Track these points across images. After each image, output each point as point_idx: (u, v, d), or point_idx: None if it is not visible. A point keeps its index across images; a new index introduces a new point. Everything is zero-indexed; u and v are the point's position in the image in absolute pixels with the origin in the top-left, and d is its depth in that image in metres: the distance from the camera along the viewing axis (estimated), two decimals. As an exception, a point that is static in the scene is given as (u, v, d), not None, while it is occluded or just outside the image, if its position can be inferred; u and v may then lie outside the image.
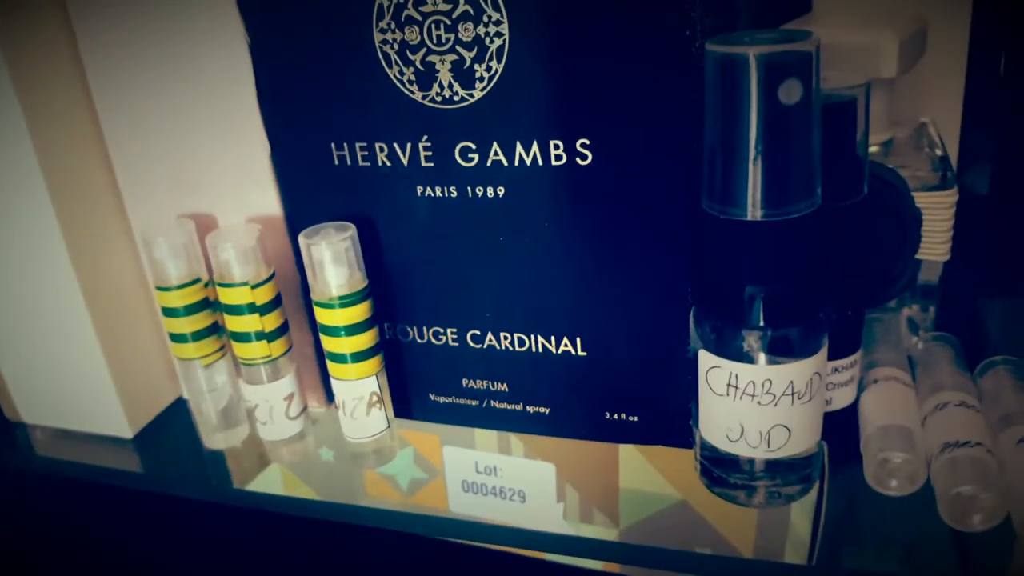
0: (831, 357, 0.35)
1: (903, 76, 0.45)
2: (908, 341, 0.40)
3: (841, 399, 0.36)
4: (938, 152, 0.40)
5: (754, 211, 0.29)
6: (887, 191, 0.37)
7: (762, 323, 0.30)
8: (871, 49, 0.37)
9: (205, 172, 0.39)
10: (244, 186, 0.39)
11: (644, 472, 0.43)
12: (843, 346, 0.35)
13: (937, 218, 0.38)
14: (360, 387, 0.37)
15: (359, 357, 0.36)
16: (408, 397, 0.41)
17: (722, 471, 0.34)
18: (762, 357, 0.31)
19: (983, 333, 0.45)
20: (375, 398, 0.37)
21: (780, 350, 0.31)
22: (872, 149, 0.40)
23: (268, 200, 0.39)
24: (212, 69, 0.37)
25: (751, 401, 0.31)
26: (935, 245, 0.38)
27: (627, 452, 0.43)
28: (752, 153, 0.28)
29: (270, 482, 0.45)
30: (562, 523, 0.43)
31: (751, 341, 0.31)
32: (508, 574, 0.51)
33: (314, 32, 0.34)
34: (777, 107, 0.28)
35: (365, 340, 0.36)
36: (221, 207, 0.40)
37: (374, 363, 0.37)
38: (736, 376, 0.31)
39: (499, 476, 0.46)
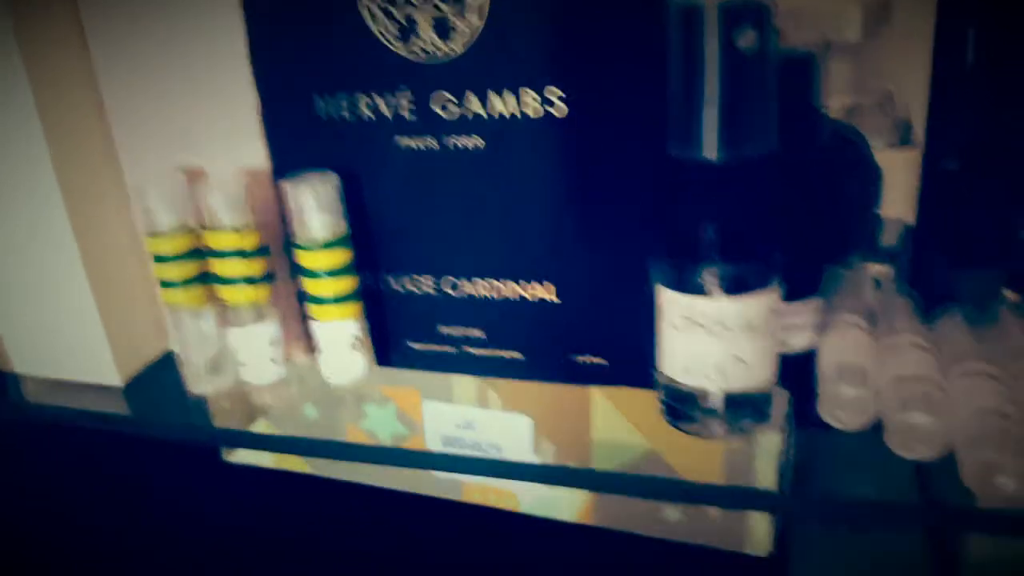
0: (790, 299, 0.37)
1: (870, 43, 0.46)
2: (871, 295, 0.41)
3: (800, 341, 0.38)
4: (901, 115, 0.42)
5: (711, 152, 0.31)
6: (846, 147, 0.39)
7: (717, 258, 0.32)
8: (835, 12, 0.39)
9: (197, 127, 0.41)
10: (235, 140, 0.40)
11: (616, 422, 0.45)
12: (802, 289, 0.37)
13: (897, 175, 0.40)
14: (341, 329, 0.38)
15: (340, 300, 0.38)
16: (386, 344, 0.42)
17: (683, 407, 0.35)
18: (718, 291, 0.32)
19: (947, 295, 0.46)
20: (356, 341, 0.39)
21: (735, 284, 0.32)
22: (836, 111, 0.42)
23: (257, 153, 0.40)
24: (205, 27, 0.39)
25: (707, 334, 0.33)
26: (896, 202, 0.40)
27: (599, 402, 0.44)
28: (710, 97, 0.30)
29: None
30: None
31: (707, 276, 0.32)
32: (486, 528, 0.52)
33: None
34: (734, 53, 0.29)
35: (346, 284, 0.38)
36: (212, 160, 0.41)
37: (354, 307, 0.38)
38: (693, 309, 0.33)
39: (477, 430, 0.48)
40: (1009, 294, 0.43)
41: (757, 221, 0.32)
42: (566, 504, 0.51)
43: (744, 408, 0.35)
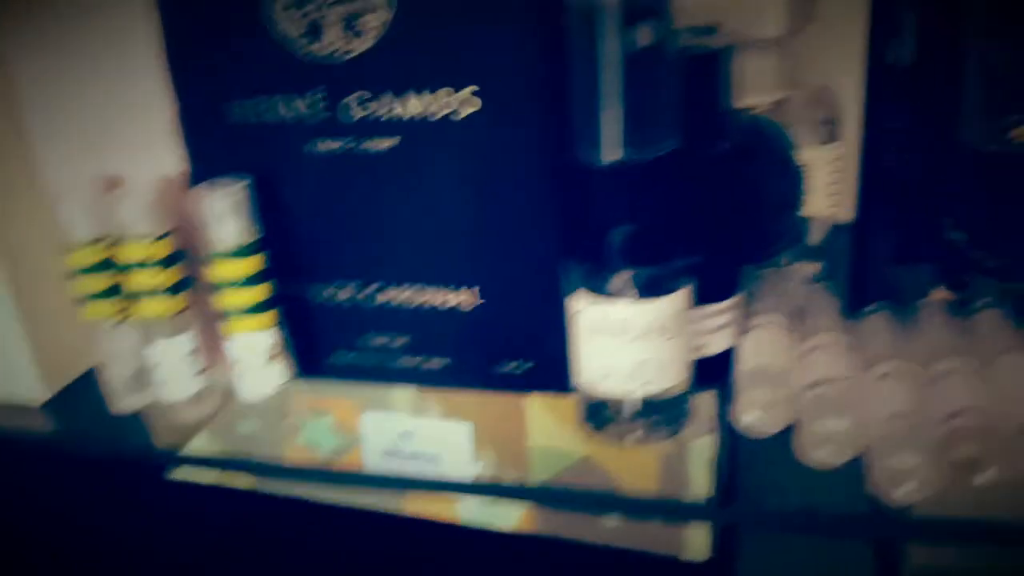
0: (707, 300, 0.36)
1: (799, 38, 0.46)
2: (796, 294, 0.41)
3: (719, 343, 0.37)
4: (829, 113, 0.41)
5: (613, 153, 0.30)
6: (763, 145, 0.39)
7: (626, 262, 0.31)
8: (757, 7, 0.38)
9: (116, 135, 0.40)
10: (153, 148, 0.40)
11: (552, 428, 0.44)
12: (720, 290, 0.36)
13: (822, 173, 0.39)
14: (257, 340, 0.38)
15: (253, 310, 0.37)
16: (313, 356, 0.41)
17: (602, 413, 0.35)
18: (628, 295, 0.32)
19: (878, 293, 0.46)
20: (273, 351, 0.38)
21: (645, 288, 0.32)
22: (759, 107, 0.41)
23: (176, 161, 0.40)
24: (120, 35, 0.38)
25: (618, 339, 0.32)
26: (821, 200, 0.40)
27: (535, 408, 0.44)
28: (609, 96, 0.29)
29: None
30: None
31: (616, 281, 0.32)
32: (426, 539, 0.52)
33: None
34: (632, 51, 0.29)
35: (260, 293, 0.37)
36: (131, 169, 0.41)
37: (270, 317, 0.38)
38: (604, 315, 0.32)
39: (416, 440, 0.47)
40: (940, 292, 0.42)
41: (664, 223, 0.32)
42: (506, 513, 0.50)
43: (662, 411, 0.35)
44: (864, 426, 0.32)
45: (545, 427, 0.44)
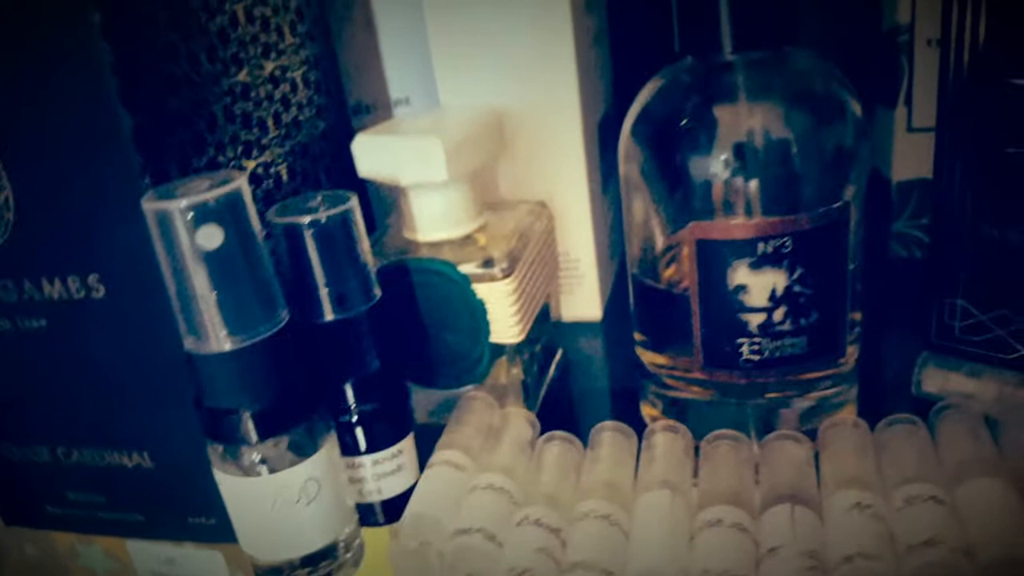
0: (375, 449, 0.38)
1: (524, 157, 0.48)
2: (494, 417, 0.42)
3: (394, 487, 0.38)
4: (508, 248, 0.42)
5: (218, 343, 0.31)
6: (446, 286, 0.40)
7: (248, 439, 0.33)
8: (423, 155, 0.40)
9: None
10: None
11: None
12: (384, 439, 0.38)
13: (500, 305, 0.40)
14: (-49, 509, 0.39)
15: (-57, 481, 0.39)
16: (29, 507, 0.43)
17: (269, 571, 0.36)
18: (257, 470, 0.33)
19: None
20: (-32, 517, 0.39)
21: (271, 462, 0.33)
22: (450, 241, 0.42)
23: None
24: None
25: (254, 511, 0.34)
26: (505, 330, 0.41)
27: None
28: (198, 291, 0.31)
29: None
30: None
31: (246, 456, 0.33)
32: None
33: None
34: (207, 251, 0.30)
35: (-54, 465, 0.38)
36: None
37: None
38: (236, 488, 0.33)
39: (179, 565, 0.48)
40: (656, 421, 0.43)
41: (283, 395, 0.33)
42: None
43: (327, 557, 0.36)
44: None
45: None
